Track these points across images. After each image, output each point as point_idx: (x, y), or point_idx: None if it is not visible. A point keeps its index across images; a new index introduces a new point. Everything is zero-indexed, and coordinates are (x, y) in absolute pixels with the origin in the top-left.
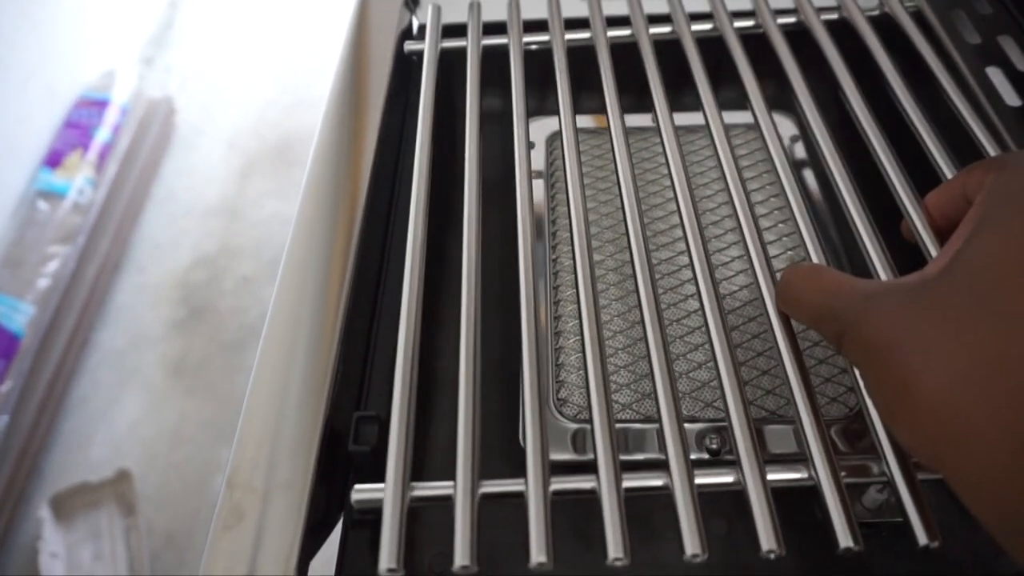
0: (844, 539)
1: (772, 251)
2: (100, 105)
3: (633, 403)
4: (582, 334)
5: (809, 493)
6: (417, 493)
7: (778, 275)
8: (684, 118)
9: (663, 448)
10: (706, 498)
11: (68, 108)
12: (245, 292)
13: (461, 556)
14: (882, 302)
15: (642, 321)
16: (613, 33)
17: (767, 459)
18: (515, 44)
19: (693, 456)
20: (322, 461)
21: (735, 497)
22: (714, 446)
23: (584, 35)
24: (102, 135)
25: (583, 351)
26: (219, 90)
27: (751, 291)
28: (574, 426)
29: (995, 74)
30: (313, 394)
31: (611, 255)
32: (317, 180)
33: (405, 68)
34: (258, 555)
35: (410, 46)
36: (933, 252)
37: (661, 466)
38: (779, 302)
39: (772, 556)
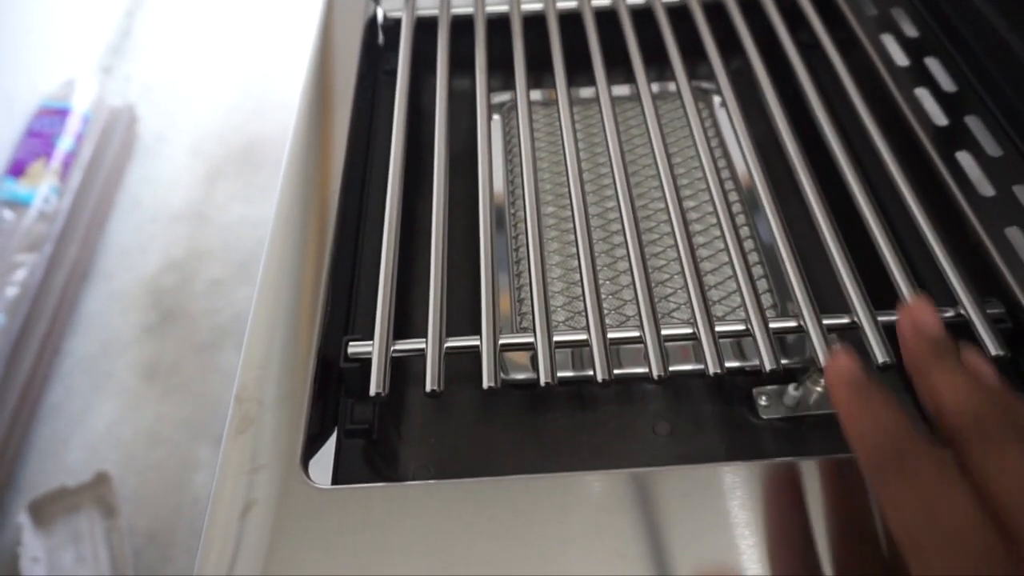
0: (713, 367)
1: (690, 203)
2: (61, 114)
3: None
4: (528, 264)
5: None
6: (397, 346)
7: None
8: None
9: (585, 318)
10: (652, 405)
11: (29, 117)
12: (216, 294)
13: (430, 383)
14: None
15: (577, 256)
16: (562, 5)
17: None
18: (480, 15)
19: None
20: (317, 378)
21: (678, 407)
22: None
23: (537, 6)
24: (65, 143)
25: (529, 277)
26: (180, 97)
27: (669, 235)
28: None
29: (889, 41)
30: (306, 323)
31: (563, 207)
32: (299, 150)
33: (372, 52)
34: (266, 453)
35: (390, 13)
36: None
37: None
38: (842, 408)
39: (659, 379)
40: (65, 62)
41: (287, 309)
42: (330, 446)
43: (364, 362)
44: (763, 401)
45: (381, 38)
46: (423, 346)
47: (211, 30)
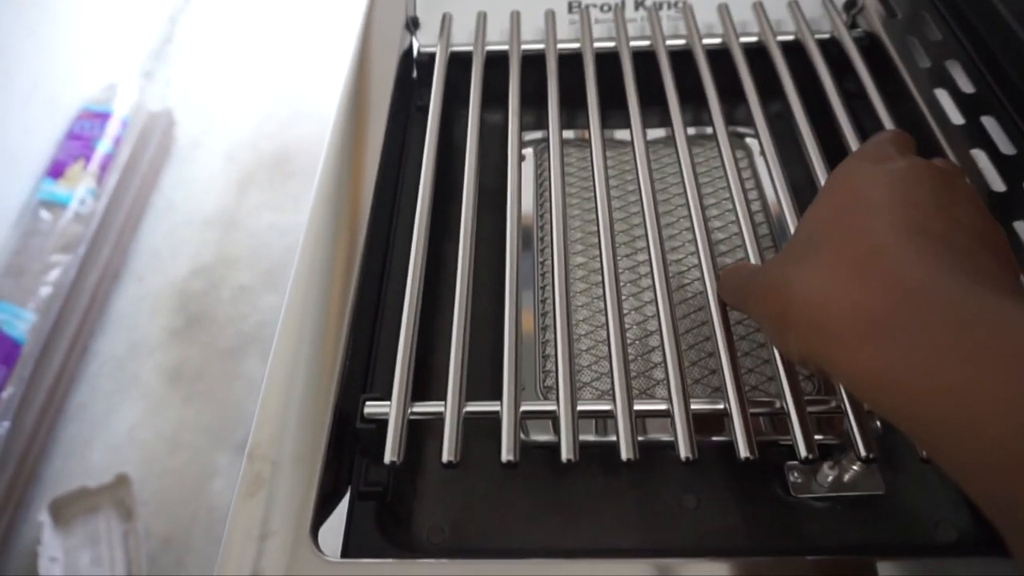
0: (744, 450)
1: (727, 260)
2: (102, 117)
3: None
4: (555, 326)
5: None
6: (415, 409)
7: None
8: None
9: (611, 386)
10: (678, 475)
11: (70, 120)
12: (242, 301)
13: (447, 454)
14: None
15: (605, 317)
16: (599, 44)
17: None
18: (514, 51)
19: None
20: (333, 437)
21: (704, 478)
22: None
23: (573, 45)
24: (103, 146)
25: (555, 340)
26: (217, 104)
27: (702, 293)
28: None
29: (943, 96)
30: (324, 378)
31: (593, 257)
32: (326, 187)
33: (406, 86)
34: (276, 518)
35: (424, 48)
36: None
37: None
38: (719, 294)
39: (687, 461)
40: (108, 66)
41: (306, 362)
42: (342, 507)
43: (380, 424)
44: (795, 478)
45: (415, 72)
46: (441, 410)
47: (251, 38)
